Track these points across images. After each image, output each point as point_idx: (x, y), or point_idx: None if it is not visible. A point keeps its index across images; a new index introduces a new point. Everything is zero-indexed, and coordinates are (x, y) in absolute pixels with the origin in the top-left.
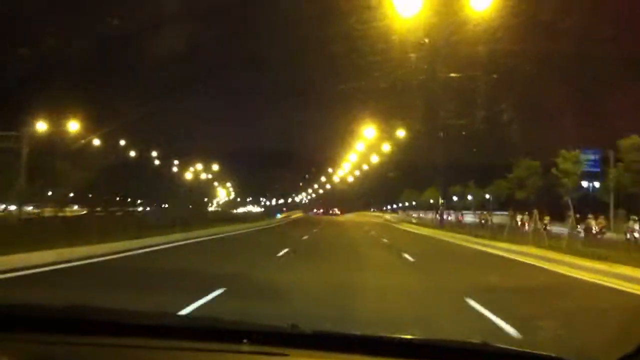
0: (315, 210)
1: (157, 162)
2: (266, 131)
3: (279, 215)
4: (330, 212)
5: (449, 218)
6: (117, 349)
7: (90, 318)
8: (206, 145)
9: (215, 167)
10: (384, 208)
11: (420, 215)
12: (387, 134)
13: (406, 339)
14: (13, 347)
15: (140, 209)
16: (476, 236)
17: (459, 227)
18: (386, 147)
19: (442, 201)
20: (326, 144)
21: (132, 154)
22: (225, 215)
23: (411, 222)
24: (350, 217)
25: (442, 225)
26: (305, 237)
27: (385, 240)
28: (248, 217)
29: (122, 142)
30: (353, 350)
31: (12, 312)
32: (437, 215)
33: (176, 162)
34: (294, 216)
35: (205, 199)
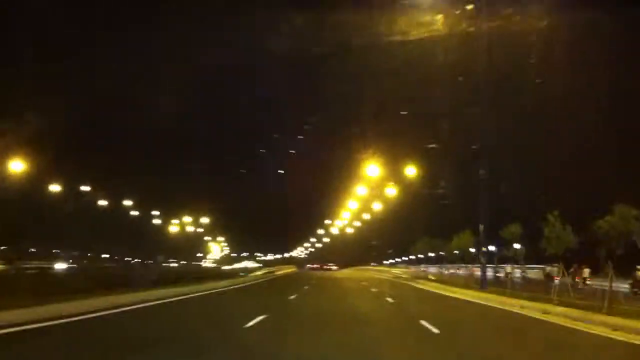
0: (309, 266)
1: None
2: (262, 186)
3: (258, 272)
4: (325, 267)
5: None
6: None
7: None
8: (198, 200)
9: (205, 220)
10: (387, 262)
11: (442, 271)
12: (393, 173)
13: None
14: None
15: (60, 265)
16: (583, 309)
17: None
18: (392, 191)
19: (483, 250)
20: (325, 195)
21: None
22: (190, 272)
23: (428, 279)
24: (349, 272)
25: (485, 286)
26: (253, 322)
27: (434, 329)
28: (220, 275)
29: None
30: None
31: None
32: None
33: (156, 213)
34: (280, 272)
35: (199, 254)
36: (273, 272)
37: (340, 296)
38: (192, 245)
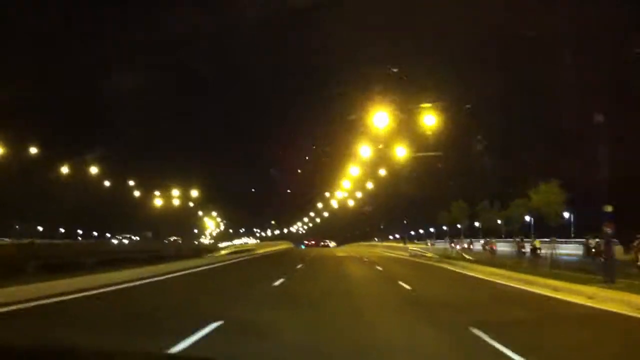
0: (306, 242)
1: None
2: (258, 158)
3: (223, 251)
4: (322, 243)
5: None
6: None
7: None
8: (188, 172)
9: (195, 193)
10: (394, 237)
11: (471, 246)
12: (405, 125)
13: None
14: None
15: None
16: None
17: None
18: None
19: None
20: (324, 164)
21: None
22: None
23: (465, 259)
24: (351, 249)
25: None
26: None
27: None
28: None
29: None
30: None
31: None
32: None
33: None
34: (263, 250)
35: (195, 230)
36: (252, 250)
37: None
38: (180, 220)
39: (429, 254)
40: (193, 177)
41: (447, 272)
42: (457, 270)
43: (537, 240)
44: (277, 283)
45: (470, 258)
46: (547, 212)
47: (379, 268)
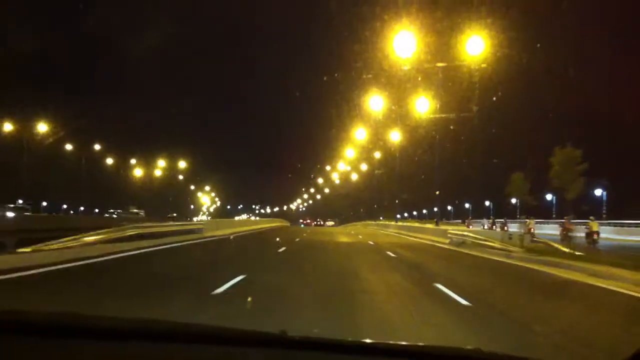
0: (301, 221)
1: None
2: (260, 134)
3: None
4: (316, 223)
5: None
6: (109, 355)
7: (87, 324)
8: (180, 141)
9: (183, 164)
10: (401, 216)
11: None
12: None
13: (398, 345)
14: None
15: None
16: None
17: None
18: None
19: None
20: (328, 139)
21: None
22: None
23: (568, 254)
24: (358, 231)
25: None
26: None
27: None
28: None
29: None
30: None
31: (6, 318)
32: None
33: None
34: (229, 231)
35: (192, 206)
36: (194, 232)
37: None
38: (163, 193)
39: (495, 243)
40: (181, 148)
41: None
42: None
43: (595, 222)
44: None
45: (575, 252)
46: None
47: (461, 301)
